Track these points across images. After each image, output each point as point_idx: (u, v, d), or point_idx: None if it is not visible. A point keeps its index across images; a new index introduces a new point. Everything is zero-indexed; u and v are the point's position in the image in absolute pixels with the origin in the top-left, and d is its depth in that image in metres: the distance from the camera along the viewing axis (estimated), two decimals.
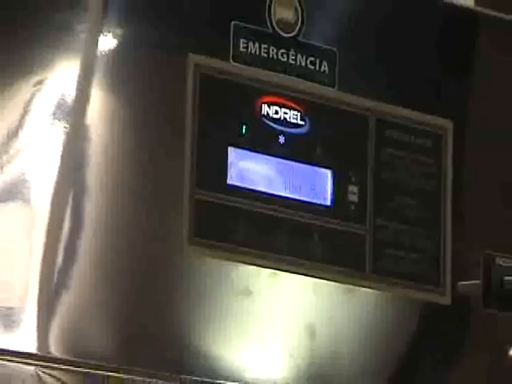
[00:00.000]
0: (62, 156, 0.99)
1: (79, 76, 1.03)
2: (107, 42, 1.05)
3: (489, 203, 1.26)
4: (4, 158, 0.95)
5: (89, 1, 1.06)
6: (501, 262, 1.16)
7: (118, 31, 1.04)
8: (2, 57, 0.95)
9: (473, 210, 1.25)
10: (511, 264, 1.18)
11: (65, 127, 0.99)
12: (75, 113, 1.03)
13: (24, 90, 0.97)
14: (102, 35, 1.04)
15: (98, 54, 1.03)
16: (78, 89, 1.09)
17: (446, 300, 1.15)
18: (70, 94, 1.01)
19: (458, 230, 1.20)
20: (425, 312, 1.19)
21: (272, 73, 1.06)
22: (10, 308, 0.94)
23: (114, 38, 1.05)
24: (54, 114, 0.98)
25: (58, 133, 0.98)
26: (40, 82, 0.98)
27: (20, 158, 0.97)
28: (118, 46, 1.04)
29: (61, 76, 1.01)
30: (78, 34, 1.05)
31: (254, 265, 1.06)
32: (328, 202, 1.08)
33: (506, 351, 1.29)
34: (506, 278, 1.14)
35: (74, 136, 1.01)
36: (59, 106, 0.99)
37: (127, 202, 0.99)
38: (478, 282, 1.14)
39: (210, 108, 1.03)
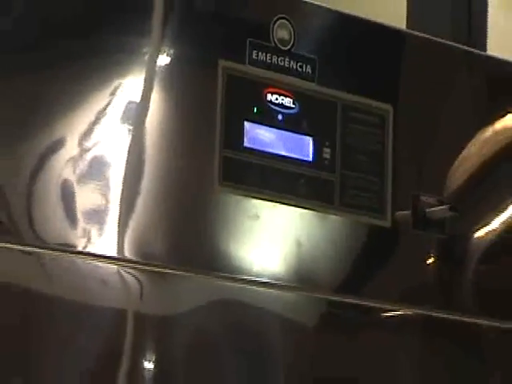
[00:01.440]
0: (129, 141, 1.31)
1: (142, 86, 1.32)
2: (164, 58, 1.33)
3: (417, 158, 1.58)
4: (85, 146, 1.26)
5: (152, 28, 1.32)
6: (424, 199, 1.50)
7: (171, 50, 1.34)
8: (81, 68, 1.26)
9: (406, 163, 1.55)
10: (431, 200, 1.51)
11: (130, 123, 1.30)
12: (138, 111, 1.31)
13: (98, 96, 1.27)
14: (160, 54, 1.33)
15: (157, 69, 1.33)
16: (140, 96, 1.32)
17: (388, 224, 1.48)
18: (134, 99, 1.31)
19: (396, 176, 1.50)
20: (373, 233, 1.51)
21: (274, 73, 1.37)
22: (101, 223, 1.28)
23: (168, 55, 1.33)
24: (123, 113, 1.28)
25: (124, 128, 1.29)
26: (112, 90, 1.29)
27: (98, 146, 1.29)
28: (170, 61, 1.34)
29: (127, 86, 1.31)
30: (141, 54, 1.30)
31: (261, 199, 1.35)
32: (310, 159, 1.39)
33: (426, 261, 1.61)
34: (428, 209, 1.49)
35: (138, 127, 1.30)
36: (126, 108, 1.29)
37: (177, 160, 1.31)
38: (409, 212, 1.49)
39: (233, 96, 1.33)
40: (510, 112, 1.74)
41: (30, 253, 1.22)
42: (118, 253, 1.27)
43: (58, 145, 1.25)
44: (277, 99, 1.36)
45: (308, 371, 1.46)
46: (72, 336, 1.26)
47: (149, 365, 1.34)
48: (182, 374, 1.36)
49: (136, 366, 1.33)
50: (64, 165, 1.24)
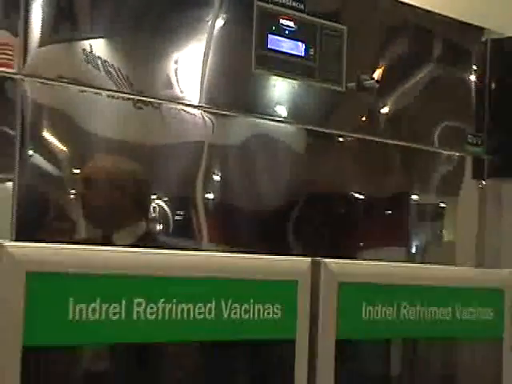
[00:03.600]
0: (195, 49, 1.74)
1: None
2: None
3: (360, 54, 2.00)
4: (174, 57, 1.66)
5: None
6: (363, 77, 1.95)
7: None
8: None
9: (356, 58, 1.98)
10: (367, 77, 1.96)
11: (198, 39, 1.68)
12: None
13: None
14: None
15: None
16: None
17: (343, 88, 1.93)
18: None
19: (348, 64, 1.95)
20: (334, 94, 1.93)
21: (284, 9, 1.83)
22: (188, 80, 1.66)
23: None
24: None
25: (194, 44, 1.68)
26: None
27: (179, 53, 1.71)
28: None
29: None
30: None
31: (278, 75, 1.83)
32: (302, 54, 1.89)
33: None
34: (365, 82, 1.93)
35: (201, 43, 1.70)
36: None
37: (230, 54, 1.75)
38: (354, 83, 1.90)
39: (261, 21, 1.80)
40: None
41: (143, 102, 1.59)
42: (199, 102, 1.71)
43: (166, 52, 1.67)
44: (285, 22, 1.84)
45: (302, 173, 1.91)
46: (176, 160, 1.68)
47: (216, 173, 1.78)
48: (230, 174, 1.80)
49: (209, 173, 1.76)
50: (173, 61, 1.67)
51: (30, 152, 1.42)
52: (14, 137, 1.40)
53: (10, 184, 1.40)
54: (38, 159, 1.47)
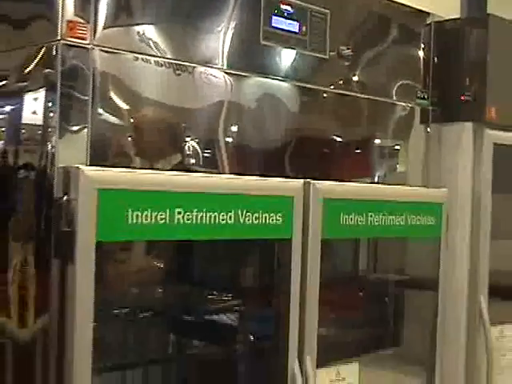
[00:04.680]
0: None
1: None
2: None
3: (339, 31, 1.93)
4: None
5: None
6: (342, 47, 1.91)
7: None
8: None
9: (338, 35, 1.91)
10: (346, 48, 1.92)
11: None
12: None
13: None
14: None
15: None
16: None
17: (327, 56, 1.86)
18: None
19: (331, 38, 1.88)
20: (319, 61, 1.84)
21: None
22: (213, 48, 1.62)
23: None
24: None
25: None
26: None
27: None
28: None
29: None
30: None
31: (285, 47, 1.76)
32: (297, 30, 1.82)
33: None
34: (343, 52, 1.89)
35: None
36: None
37: (242, 31, 1.68)
38: (335, 52, 1.84)
39: (268, 6, 1.74)
40: None
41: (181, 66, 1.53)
42: (221, 65, 1.65)
43: (197, 30, 1.61)
44: (285, 7, 1.80)
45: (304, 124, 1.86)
46: (203, 110, 1.60)
47: (232, 123, 1.69)
48: (244, 121, 1.74)
49: (228, 120, 1.70)
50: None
51: (99, 105, 1.43)
52: (87, 91, 1.41)
53: (85, 131, 1.41)
54: (104, 112, 1.46)
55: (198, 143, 1.61)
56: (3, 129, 1.54)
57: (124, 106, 1.48)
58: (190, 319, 1.81)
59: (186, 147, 1.60)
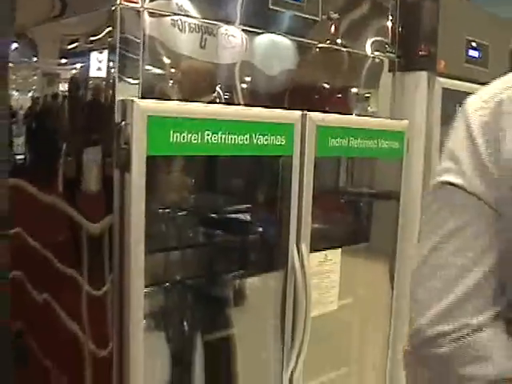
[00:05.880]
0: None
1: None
2: None
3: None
4: None
5: None
6: (331, 13, 1.76)
7: None
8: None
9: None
10: (334, 13, 1.77)
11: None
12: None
13: None
14: None
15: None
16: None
17: (318, 18, 1.71)
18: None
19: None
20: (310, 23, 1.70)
21: None
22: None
23: None
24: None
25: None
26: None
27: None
28: None
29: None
30: None
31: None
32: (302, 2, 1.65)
33: None
34: (332, 15, 1.74)
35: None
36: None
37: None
38: (324, 19, 1.74)
39: None
40: None
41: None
42: (239, 23, 1.54)
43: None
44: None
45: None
46: (225, 60, 1.50)
47: (246, 72, 1.58)
48: (256, 67, 1.59)
49: (244, 71, 1.56)
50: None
51: (147, 61, 1.36)
52: (139, 51, 1.34)
53: (137, 81, 1.33)
54: (151, 67, 1.39)
55: (220, 88, 1.55)
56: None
57: (166, 60, 1.42)
58: (215, 216, 1.82)
59: (213, 92, 1.54)
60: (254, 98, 1.57)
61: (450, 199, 0.68)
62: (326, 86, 1.84)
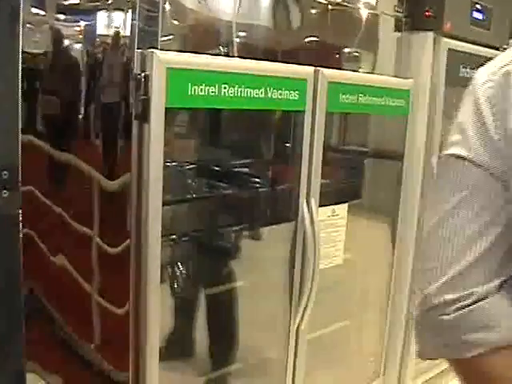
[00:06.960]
0: None
1: None
2: None
3: None
4: None
5: None
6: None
7: None
8: None
9: None
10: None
11: None
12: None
13: None
14: None
15: None
16: None
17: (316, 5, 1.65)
18: None
19: None
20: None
21: None
22: None
23: None
24: None
25: None
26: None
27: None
28: None
29: None
30: None
31: None
32: None
33: None
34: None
35: None
36: None
37: None
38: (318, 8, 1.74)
39: None
40: None
41: None
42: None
43: None
44: None
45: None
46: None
47: (245, 24, 1.56)
48: (255, 26, 1.59)
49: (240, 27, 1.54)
50: None
51: (164, 20, 1.36)
52: (158, 11, 1.34)
53: (155, 35, 1.35)
54: (168, 23, 1.40)
55: (220, 43, 1.54)
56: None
57: (182, 15, 1.43)
58: (224, 170, 1.82)
59: (221, 44, 1.53)
60: (250, 53, 1.57)
61: (457, 171, 0.69)
62: (333, 43, 1.84)
